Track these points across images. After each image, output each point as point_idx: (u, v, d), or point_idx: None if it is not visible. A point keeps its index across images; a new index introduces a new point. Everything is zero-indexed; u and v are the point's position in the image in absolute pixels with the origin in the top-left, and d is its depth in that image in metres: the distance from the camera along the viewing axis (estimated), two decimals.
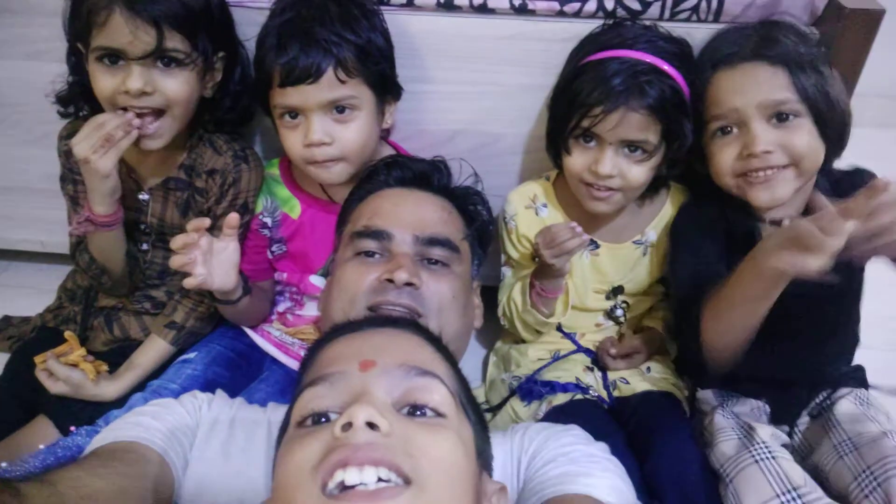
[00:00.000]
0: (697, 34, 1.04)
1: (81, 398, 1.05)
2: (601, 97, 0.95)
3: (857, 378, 1.05)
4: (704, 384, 1.11)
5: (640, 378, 1.14)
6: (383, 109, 1.09)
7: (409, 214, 0.95)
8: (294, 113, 1.02)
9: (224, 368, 1.14)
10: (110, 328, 1.18)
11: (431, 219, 0.96)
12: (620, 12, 1.10)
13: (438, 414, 0.58)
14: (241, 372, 1.16)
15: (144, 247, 1.19)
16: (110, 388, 1.07)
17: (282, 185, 1.17)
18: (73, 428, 0.99)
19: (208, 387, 1.04)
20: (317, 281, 1.19)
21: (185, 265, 0.96)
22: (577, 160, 1.02)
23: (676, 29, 1.04)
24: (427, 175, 1.01)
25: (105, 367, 1.09)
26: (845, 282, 0.89)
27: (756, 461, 0.89)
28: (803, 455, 1.00)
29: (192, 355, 1.14)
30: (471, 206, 1.04)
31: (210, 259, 0.99)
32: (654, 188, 1.09)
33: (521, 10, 1.12)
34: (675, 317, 1.00)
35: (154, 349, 1.13)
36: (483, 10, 1.13)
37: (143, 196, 1.13)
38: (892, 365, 1.17)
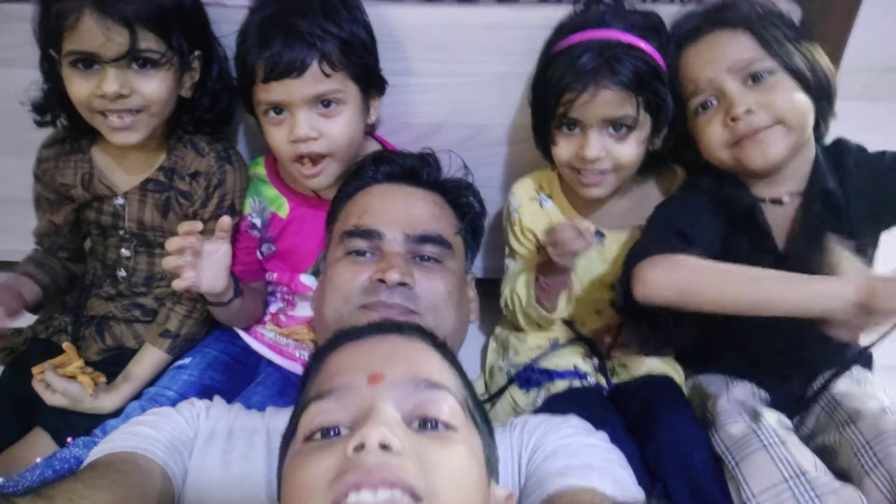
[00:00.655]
0: None
1: (81, 411, 1.04)
2: (572, 79, 0.95)
3: (862, 360, 1.04)
4: (701, 370, 1.11)
5: (639, 363, 1.13)
6: (368, 104, 1.07)
7: (399, 212, 0.94)
8: (279, 108, 1.01)
9: (220, 373, 1.13)
10: (102, 337, 1.17)
11: (422, 215, 0.95)
12: None
13: (449, 427, 0.58)
14: (237, 376, 1.16)
15: (126, 253, 1.17)
16: (108, 401, 1.06)
17: (269, 184, 1.16)
18: (70, 439, 0.98)
19: (205, 392, 1.04)
20: (307, 280, 1.18)
21: (178, 267, 0.95)
22: (563, 149, 1.01)
23: (661, 11, 1.03)
24: (416, 169, 1.01)
25: (103, 379, 1.09)
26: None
27: (764, 446, 0.88)
28: (807, 438, 0.99)
29: (187, 361, 1.13)
30: (462, 198, 1.04)
31: (200, 261, 0.98)
32: (653, 166, 1.08)
33: None
34: (633, 249, 0.97)
35: (149, 359, 1.12)
36: None
37: (119, 201, 1.12)
38: None
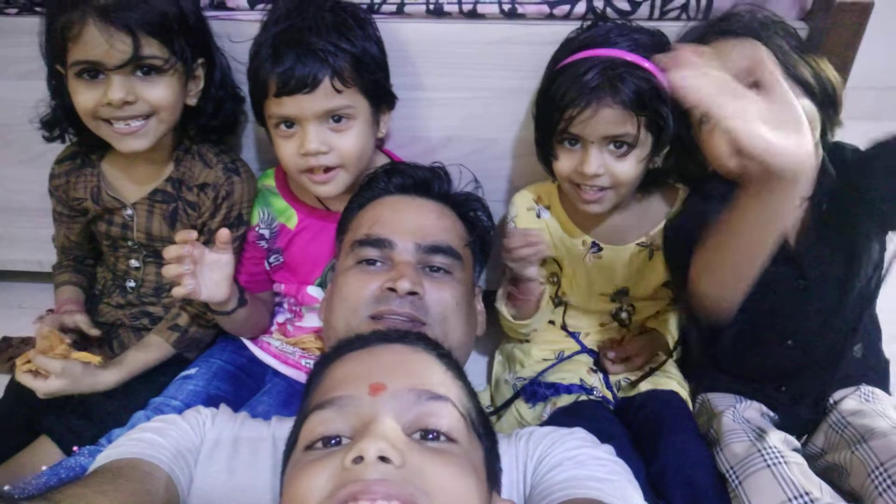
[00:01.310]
0: None
1: (80, 391, 1.02)
2: (575, 96, 0.95)
3: (873, 377, 1.03)
4: (710, 387, 1.10)
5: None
6: (378, 119, 1.08)
7: (410, 222, 0.95)
8: (290, 122, 1.02)
9: (226, 383, 1.13)
10: (110, 345, 1.18)
11: (433, 226, 0.95)
12: (610, 13, 1.11)
13: (450, 439, 0.58)
14: (243, 385, 1.15)
15: (135, 264, 1.18)
16: (107, 377, 1.04)
17: (278, 195, 1.17)
18: (76, 448, 0.98)
19: (210, 402, 1.03)
20: (314, 291, 1.19)
21: (178, 276, 0.96)
22: (564, 164, 1.02)
23: (667, 28, 1.04)
24: (427, 182, 1.01)
25: (98, 359, 1.06)
26: (844, 269, 0.89)
27: (768, 465, 0.87)
28: (816, 456, 0.99)
29: (192, 371, 1.13)
30: (471, 212, 1.04)
31: (201, 270, 0.99)
32: (654, 184, 1.09)
33: (511, 15, 1.12)
34: (671, 272, 0.98)
35: (153, 349, 1.12)
36: (473, 15, 1.13)
37: (128, 212, 1.13)
38: None
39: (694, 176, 1.04)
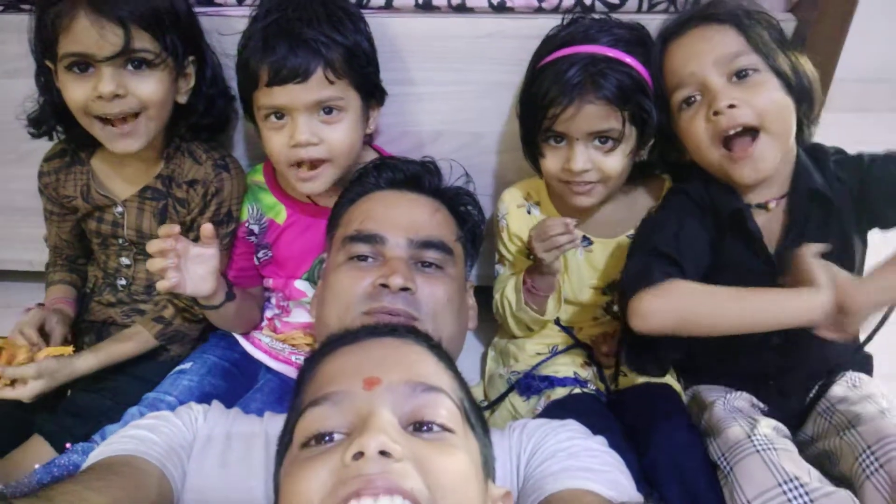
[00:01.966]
0: None
1: (61, 384, 1.03)
2: (557, 94, 0.96)
3: (857, 363, 1.04)
4: (700, 380, 1.11)
5: None
6: (368, 114, 1.09)
7: (401, 217, 0.95)
8: (280, 113, 1.01)
9: (220, 379, 1.13)
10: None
11: (424, 221, 0.95)
12: (599, 7, 1.11)
13: (445, 429, 0.58)
14: (236, 382, 1.15)
15: (126, 262, 1.18)
16: (84, 362, 1.05)
17: (267, 191, 1.17)
18: (68, 445, 0.98)
19: (205, 398, 1.03)
20: (302, 286, 1.19)
21: (162, 269, 0.96)
22: (550, 161, 1.03)
23: (656, 22, 1.04)
24: (418, 176, 1.01)
25: (69, 349, 1.07)
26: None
27: (757, 451, 0.87)
28: (807, 444, 0.99)
29: (187, 366, 1.13)
30: (462, 206, 1.04)
31: (186, 264, 0.99)
32: (642, 176, 1.09)
33: (500, 9, 1.13)
34: (624, 270, 0.97)
35: (135, 339, 1.12)
36: (462, 9, 1.13)
37: (118, 209, 1.13)
38: None
39: (675, 163, 1.05)
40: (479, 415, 0.66)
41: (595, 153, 0.99)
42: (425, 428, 0.57)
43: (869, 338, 0.94)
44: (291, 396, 0.68)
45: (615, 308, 1.18)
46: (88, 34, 0.93)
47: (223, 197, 1.11)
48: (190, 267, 0.99)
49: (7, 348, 1.03)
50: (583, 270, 1.15)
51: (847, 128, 1.03)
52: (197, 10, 1.11)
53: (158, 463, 0.71)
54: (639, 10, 1.12)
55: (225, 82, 1.14)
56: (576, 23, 1.03)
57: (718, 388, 1.06)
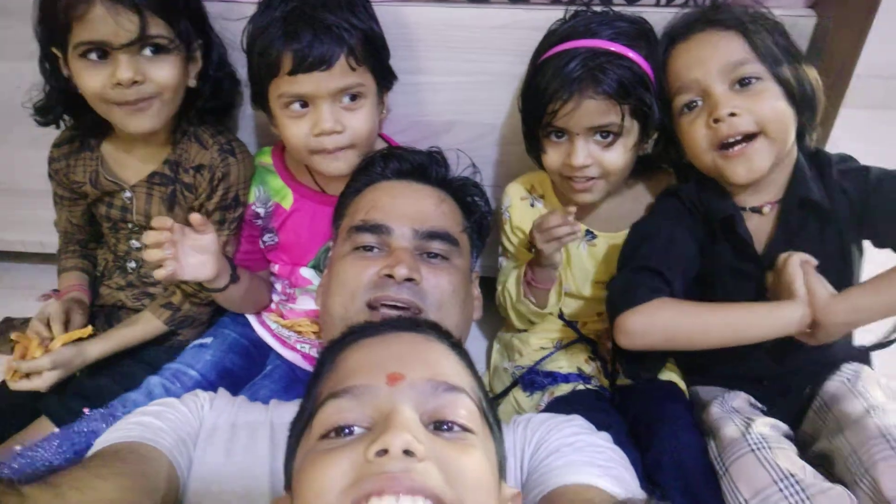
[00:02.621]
0: None
1: (76, 370, 1.05)
2: (557, 88, 0.95)
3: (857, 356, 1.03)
4: (700, 381, 1.10)
5: None
6: (382, 99, 1.08)
7: (407, 207, 0.94)
8: (303, 102, 1.01)
9: (238, 356, 1.15)
10: (112, 326, 1.18)
11: (430, 212, 0.95)
12: None
13: (466, 429, 0.57)
14: (252, 360, 1.18)
15: (136, 245, 1.19)
16: (94, 348, 1.07)
17: (275, 174, 1.16)
18: (87, 410, 0.99)
19: (223, 374, 1.07)
20: (307, 273, 1.19)
21: (159, 259, 0.96)
22: (552, 157, 1.02)
23: (655, 17, 1.02)
24: (424, 167, 1.01)
25: (88, 330, 1.08)
26: (834, 277, 0.89)
27: (752, 450, 0.88)
28: (808, 444, 0.98)
29: (208, 340, 1.16)
30: (469, 197, 1.04)
31: (183, 251, 0.99)
32: (646, 170, 1.08)
33: None
34: (611, 286, 0.99)
35: (143, 325, 1.13)
36: None
37: (127, 194, 1.13)
38: None
39: (678, 162, 1.04)
40: (495, 415, 0.65)
41: (595, 148, 0.99)
42: (445, 427, 0.57)
43: (881, 345, 0.93)
44: (307, 383, 0.67)
45: None
46: (104, 22, 0.93)
47: (230, 182, 1.11)
48: (187, 254, 0.99)
49: (21, 341, 1.05)
50: (586, 264, 1.15)
51: (868, 124, 1.01)
52: None
53: (165, 450, 0.72)
54: (657, 4, 1.10)
55: (231, 65, 1.14)
56: (576, 16, 1.02)
57: (716, 389, 1.06)
